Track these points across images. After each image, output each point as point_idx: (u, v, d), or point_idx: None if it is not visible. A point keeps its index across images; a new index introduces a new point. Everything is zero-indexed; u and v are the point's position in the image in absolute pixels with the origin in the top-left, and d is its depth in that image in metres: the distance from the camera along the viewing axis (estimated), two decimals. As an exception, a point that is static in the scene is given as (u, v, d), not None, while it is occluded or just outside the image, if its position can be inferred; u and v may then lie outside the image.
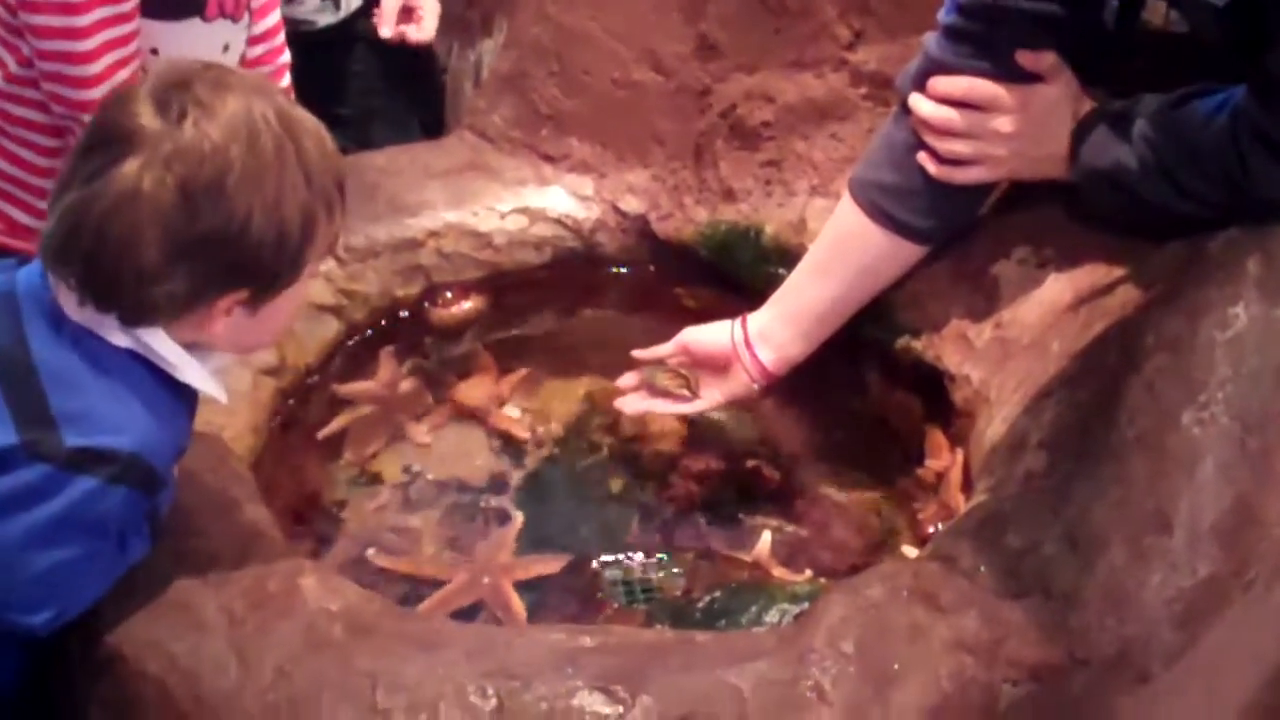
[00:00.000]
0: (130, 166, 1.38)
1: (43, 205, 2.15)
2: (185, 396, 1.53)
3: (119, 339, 1.45)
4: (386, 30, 2.78)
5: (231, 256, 1.42)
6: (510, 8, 2.53)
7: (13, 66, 2.13)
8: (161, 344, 1.46)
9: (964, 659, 1.43)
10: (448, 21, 2.87)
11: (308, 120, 1.47)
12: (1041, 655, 1.45)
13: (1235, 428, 1.50)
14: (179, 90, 1.41)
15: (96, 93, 2.08)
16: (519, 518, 1.96)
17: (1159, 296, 1.67)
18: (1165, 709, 1.47)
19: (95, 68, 2.07)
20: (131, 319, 1.44)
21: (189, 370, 1.49)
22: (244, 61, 2.30)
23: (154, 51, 2.16)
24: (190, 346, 1.49)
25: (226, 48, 2.26)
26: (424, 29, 2.80)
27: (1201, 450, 1.50)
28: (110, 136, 1.41)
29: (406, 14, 2.81)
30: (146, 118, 1.40)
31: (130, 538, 1.51)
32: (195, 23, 2.20)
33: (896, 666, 1.42)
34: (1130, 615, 1.45)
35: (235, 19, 2.25)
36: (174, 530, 1.56)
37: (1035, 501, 1.58)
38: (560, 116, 2.36)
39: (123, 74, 2.10)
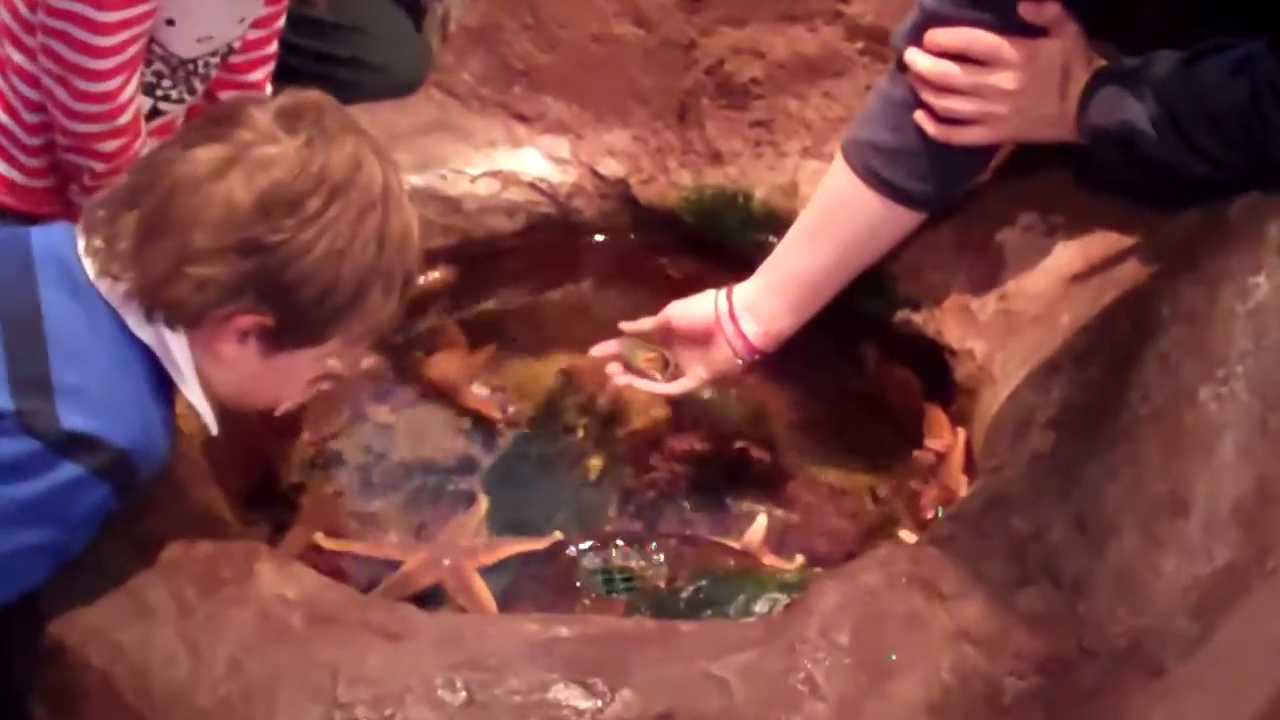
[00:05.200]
0: (226, 151, 1.46)
1: (27, 160, 2.16)
2: (173, 417, 1.56)
3: (138, 327, 1.49)
4: None
5: (274, 276, 1.47)
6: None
7: (22, 9, 2.12)
8: (180, 349, 1.50)
9: (966, 650, 1.43)
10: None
11: (407, 206, 1.56)
12: (1049, 647, 1.45)
13: (1256, 404, 1.50)
14: (310, 112, 1.50)
15: (103, 63, 2.08)
16: (483, 500, 1.97)
17: (1174, 265, 1.67)
18: (1180, 704, 1.47)
19: (109, 39, 2.07)
20: (150, 300, 1.47)
21: (193, 385, 1.52)
22: (242, 40, 2.30)
23: (170, 23, 2.16)
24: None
25: (242, 20, 2.26)
26: None
27: (1220, 428, 1.50)
28: (223, 120, 1.49)
29: None
30: (265, 120, 1.48)
31: (77, 541, 1.51)
32: None
33: (894, 657, 1.42)
34: (1143, 604, 1.45)
35: None
36: (119, 513, 1.56)
37: (1042, 483, 1.58)
38: (534, 73, 2.35)
39: (133, 49, 2.09)
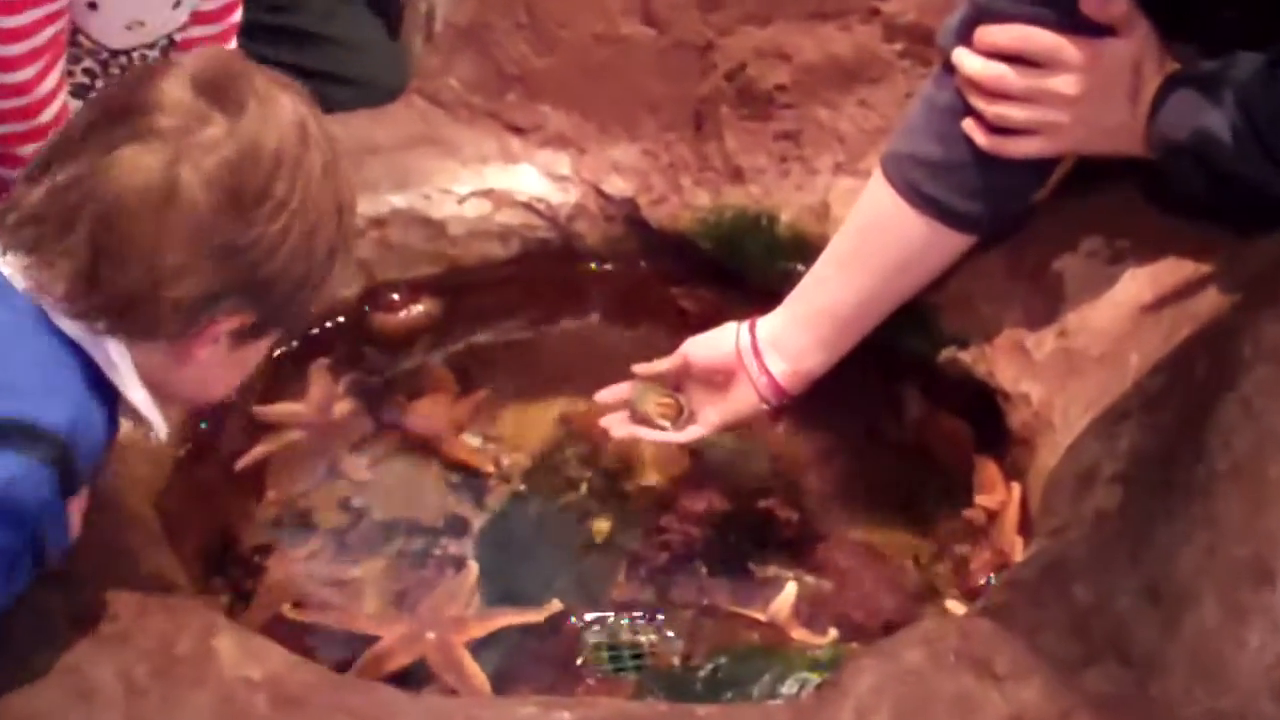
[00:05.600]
0: (159, 147, 1.45)
1: None
2: (112, 416, 1.55)
3: (66, 324, 1.48)
4: None
5: (253, 275, 1.48)
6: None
7: None
8: (116, 350, 1.50)
9: (1023, 737, 1.43)
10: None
11: (338, 144, 1.57)
12: (1116, 733, 1.45)
13: (1351, 456, 1.50)
14: (232, 77, 1.49)
15: (13, 49, 2.08)
16: (474, 565, 1.96)
17: (1258, 296, 1.67)
18: (1265, 797, 1.47)
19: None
20: (117, 322, 1.47)
21: (135, 387, 1.52)
22: (194, 14, 2.31)
23: (91, 5, 2.17)
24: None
25: (178, 5, 2.27)
26: None
27: (1311, 484, 1.50)
28: (132, 106, 1.47)
29: None
30: (185, 98, 1.47)
31: (49, 540, 1.50)
32: None
33: (940, 746, 1.42)
34: (1224, 685, 1.45)
35: None
36: (60, 580, 1.56)
37: (1108, 546, 1.58)
38: (530, 78, 2.37)
39: (49, 32, 2.10)
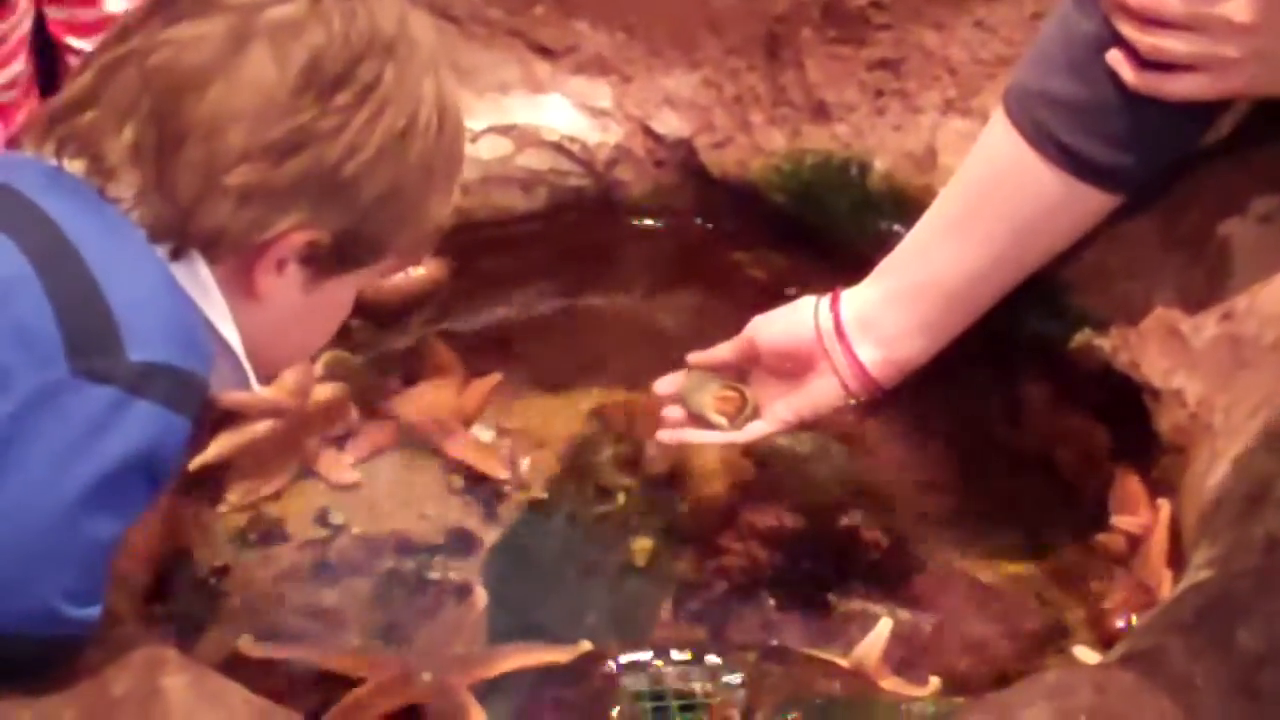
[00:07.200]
0: (226, 21, 1.49)
1: None
2: None
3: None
4: None
5: (331, 175, 1.51)
6: None
7: None
8: (211, 281, 1.52)
9: (1174, 819, 1.43)
10: None
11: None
12: (1290, 811, 1.45)
13: None
14: None
15: None
16: (481, 592, 1.97)
17: None
18: None
19: None
20: (182, 231, 1.50)
21: (224, 315, 1.54)
22: None
23: None
24: None
25: None
26: None
27: None
28: None
29: None
30: None
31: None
32: None
33: (1070, 829, 1.42)
34: None
35: None
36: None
37: (1282, 581, 1.58)
38: (563, -13, 2.38)
39: None
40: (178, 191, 1.48)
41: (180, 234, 1.49)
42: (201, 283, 1.52)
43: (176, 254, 1.50)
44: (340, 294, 1.63)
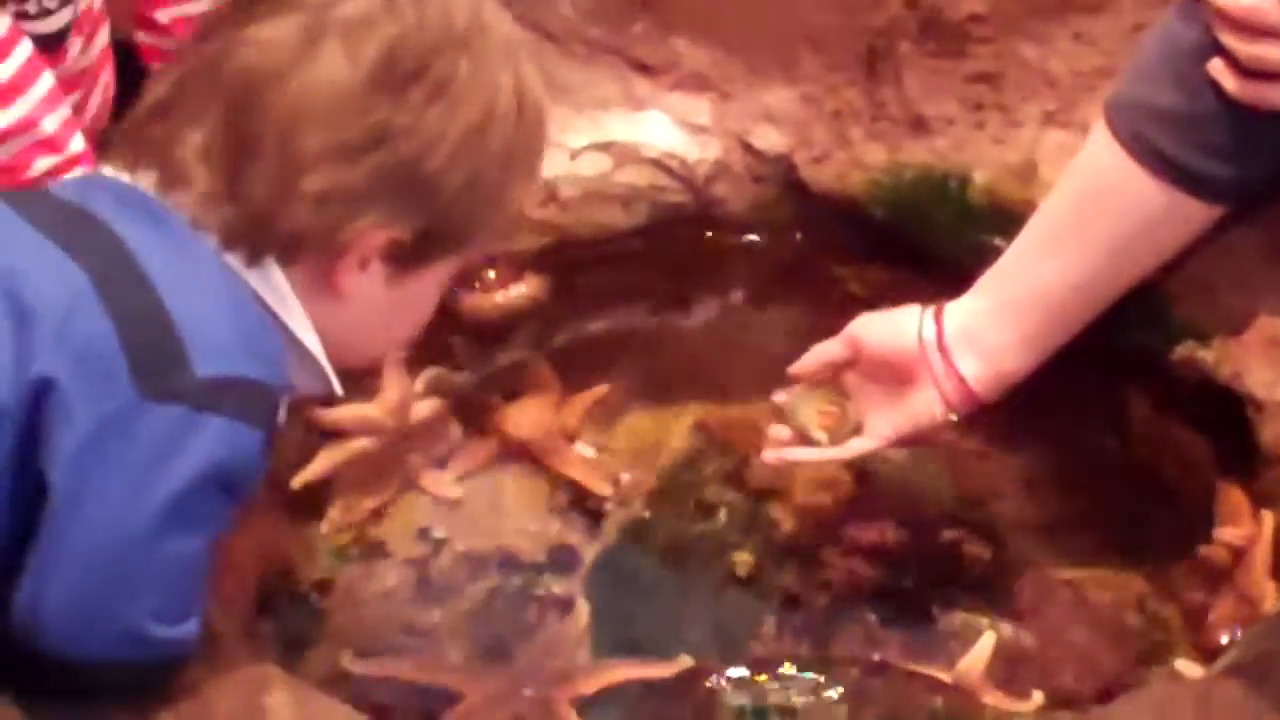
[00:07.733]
0: (297, 20, 1.50)
1: None
2: None
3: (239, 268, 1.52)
4: None
5: (412, 170, 1.52)
6: None
7: None
8: (276, 277, 1.53)
9: (1279, 834, 1.42)
10: None
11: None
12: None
13: None
14: None
15: None
16: (584, 607, 1.98)
17: None
18: None
19: None
20: (259, 236, 1.50)
21: (302, 321, 1.55)
22: None
23: None
24: None
25: None
26: None
27: None
28: None
29: None
30: None
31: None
32: None
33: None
34: None
35: None
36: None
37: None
38: (662, 4, 2.38)
39: None
40: (253, 196, 1.49)
41: (256, 239, 1.50)
42: (277, 289, 1.52)
43: (251, 260, 1.50)
44: (425, 286, 1.64)
